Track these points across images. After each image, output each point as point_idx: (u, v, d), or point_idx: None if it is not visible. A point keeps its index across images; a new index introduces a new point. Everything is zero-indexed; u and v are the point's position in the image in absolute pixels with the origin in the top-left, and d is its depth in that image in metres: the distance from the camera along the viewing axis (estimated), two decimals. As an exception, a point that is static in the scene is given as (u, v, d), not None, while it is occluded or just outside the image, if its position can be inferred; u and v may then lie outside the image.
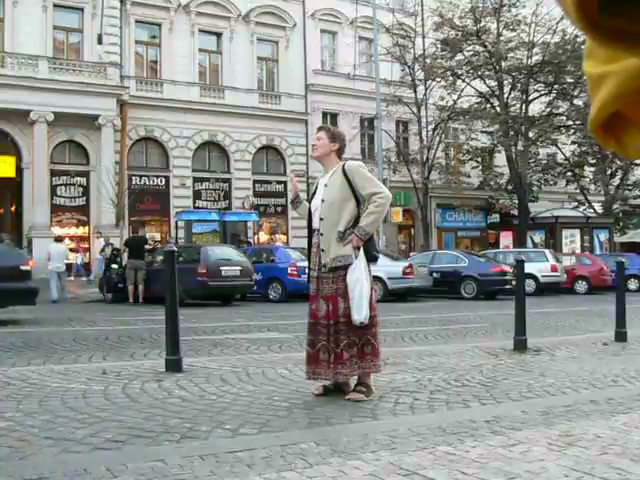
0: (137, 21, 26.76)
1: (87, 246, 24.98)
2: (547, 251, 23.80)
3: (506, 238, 31.83)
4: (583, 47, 0.70)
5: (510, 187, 31.39)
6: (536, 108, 30.24)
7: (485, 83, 29.77)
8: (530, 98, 29.88)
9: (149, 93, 26.76)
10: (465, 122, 30.36)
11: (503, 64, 29.03)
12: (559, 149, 32.28)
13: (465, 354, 7.04)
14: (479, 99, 30.22)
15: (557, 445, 3.57)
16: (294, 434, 3.80)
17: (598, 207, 32.73)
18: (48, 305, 16.33)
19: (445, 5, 28.46)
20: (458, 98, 29.38)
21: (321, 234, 4.87)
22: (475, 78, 29.52)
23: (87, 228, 25.34)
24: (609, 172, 32.45)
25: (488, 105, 30.24)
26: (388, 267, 17.54)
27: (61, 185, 25.03)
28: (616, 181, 32.98)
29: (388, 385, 5.23)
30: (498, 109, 29.55)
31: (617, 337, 8.23)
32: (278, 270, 18.53)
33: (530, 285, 20.15)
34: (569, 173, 33.17)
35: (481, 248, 30.32)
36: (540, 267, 21.66)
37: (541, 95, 30.39)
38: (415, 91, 29.51)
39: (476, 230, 34.76)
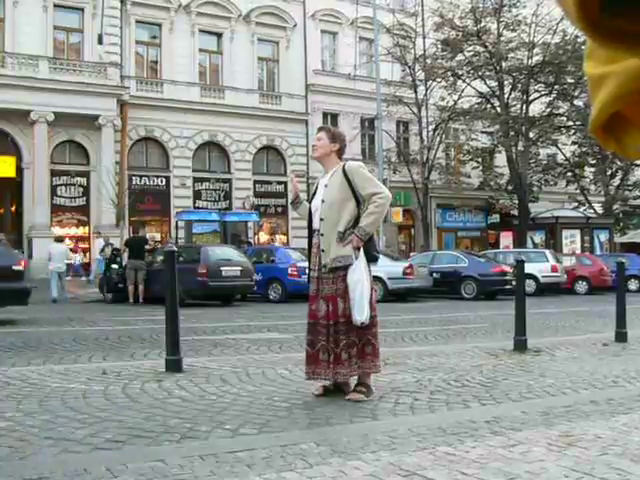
0: (137, 21, 26.77)
1: (87, 246, 24.99)
2: (547, 251, 23.79)
3: (506, 238, 31.82)
4: (583, 47, 0.70)
5: (510, 187, 31.39)
6: (536, 108, 30.25)
7: (485, 83, 29.77)
8: (530, 98, 29.89)
9: (149, 93, 26.77)
10: (465, 122, 30.35)
11: (503, 64, 29.03)
12: (559, 149, 32.28)
13: (465, 354, 7.04)
14: (479, 99, 30.22)
15: (557, 445, 3.57)
16: (294, 434, 3.80)
17: (598, 207, 32.73)
18: (48, 305, 16.37)
19: (445, 5, 28.46)
20: (459, 98, 29.39)
21: (321, 234, 4.87)
22: (475, 78, 29.51)
23: (87, 228, 25.35)
24: (609, 172, 32.46)
25: (488, 105, 30.24)
26: (388, 267, 17.54)
27: (61, 185, 25.04)
28: (616, 181, 32.98)
29: (388, 385, 5.23)
30: (498, 109, 29.55)
31: (617, 337, 8.23)
32: (278, 270, 18.53)
33: (530, 285, 20.13)
34: (569, 173, 33.17)
35: (481, 248, 30.32)
36: (540, 267, 21.65)
37: (541, 95, 30.40)
38: (415, 91, 29.52)
39: (476, 230, 34.77)
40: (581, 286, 23.64)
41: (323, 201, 4.90)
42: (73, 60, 25.08)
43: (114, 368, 5.97)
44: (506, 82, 29.61)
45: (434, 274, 20.19)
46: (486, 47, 28.87)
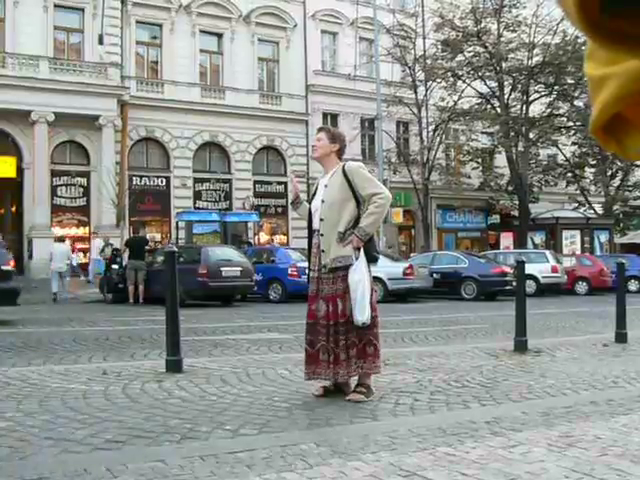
0: (138, 21, 26.77)
1: (87, 246, 24.98)
2: (547, 252, 23.79)
3: (506, 239, 31.81)
4: (584, 48, 0.70)
5: (510, 188, 31.39)
6: (536, 109, 30.26)
7: (485, 84, 29.78)
8: (530, 99, 29.89)
9: (150, 94, 26.76)
10: (465, 123, 30.35)
11: (504, 65, 29.04)
12: (559, 150, 32.29)
13: (465, 355, 7.04)
14: (479, 100, 30.23)
15: (557, 446, 3.57)
16: (294, 435, 3.80)
17: (598, 208, 32.73)
18: (48, 305, 16.44)
19: (446, 6, 28.47)
20: (459, 99, 29.39)
21: (321, 235, 4.87)
22: (476, 79, 29.52)
23: (87, 228, 25.34)
24: (609, 173, 32.46)
25: (488, 106, 30.24)
26: (388, 268, 17.54)
27: (62, 185, 25.03)
28: (616, 182, 32.98)
29: (388, 386, 5.23)
30: (498, 110, 29.55)
31: (617, 338, 8.23)
32: (278, 271, 18.55)
33: (530, 286, 20.12)
34: (569, 174, 33.17)
35: (481, 249, 30.32)
36: (540, 268, 21.65)
37: (541, 96, 30.40)
38: (416, 92, 29.51)
39: (476, 231, 34.77)
40: (581, 287, 23.65)
41: (323, 201, 4.90)
42: (73, 60, 25.08)
43: (114, 368, 5.97)
44: (506, 83, 29.61)
45: (434, 275, 20.19)
46: (486, 48, 28.88)
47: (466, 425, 4.03)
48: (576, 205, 33.47)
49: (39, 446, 3.50)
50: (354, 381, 4.89)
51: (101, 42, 24.60)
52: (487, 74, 29.49)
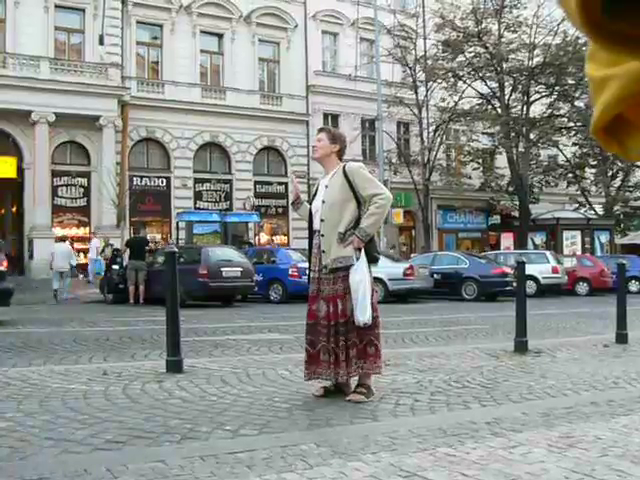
0: (138, 22, 26.78)
1: (87, 247, 24.97)
2: (548, 253, 23.78)
3: (507, 239, 31.81)
4: (584, 49, 0.70)
5: (511, 188, 31.39)
6: (537, 109, 30.26)
7: (486, 84, 29.78)
8: (531, 100, 29.88)
9: (150, 94, 26.77)
10: (466, 123, 30.34)
11: (504, 65, 29.03)
12: (560, 151, 32.28)
13: (466, 355, 7.04)
14: (480, 100, 30.23)
15: (557, 447, 3.57)
16: (294, 435, 3.80)
17: (599, 209, 32.73)
18: (48, 305, 16.46)
19: (446, 6, 28.47)
20: (459, 99, 29.38)
21: (322, 235, 4.87)
22: (476, 79, 29.52)
23: (88, 229, 25.34)
24: (610, 174, 32.45)
25: (489, 106, 30.24)
26: (389, 268, 17.53)
27: (62, 186, 25.03)
28: (617, 183, 32.98)
29: (389, 386, 5.23)
30: (499, 110, 29.56)
31: (618, 339, 8.23)
32: (279, 271, 18.55)
33: (531, 287, 20.12)
34: (570, 175, 33.17)
35: (482, 249, 30.32)
36: (541, 269, 21.64)
37: (542, 97, 30.40)
38: (416, 92, 29.52)
39: (477, 231, 34.77)
40: (582, 287, 23.64)
41: (324, 202, 4.90)
42: (74, 61, 25.08)
43: (115, 369, 5.97)
44: (507, 83, 29.62)
45: (435, 275, 20.19)
46: (487, 48, 28.88)
47: (466, 426, 4.03)
48: (577, 206, 33.47)
49: (39, 446, 3.50)
50: (354, 381, 4.89)
51: (102, 42, 24.61)
52: (488, 75, 29.50)
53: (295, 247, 22.45)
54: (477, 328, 11.28)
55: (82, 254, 24.44)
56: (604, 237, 31.19)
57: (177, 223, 26.55)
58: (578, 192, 32.96)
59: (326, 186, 4.97)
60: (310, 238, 5.06)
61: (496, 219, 34.20)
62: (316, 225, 4.96)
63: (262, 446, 3.52)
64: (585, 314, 14.69)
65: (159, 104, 26.49)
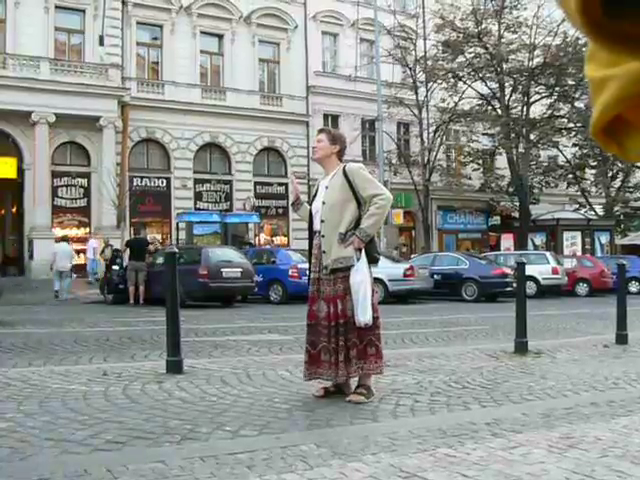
0: (138, 22, 26.78)
1: (86, 247, 24.98)
2: (548, 253, 23.79)
3: (507, 240, 31.81)
4: (584, 49, 0.70)
5: (511, 189, 31.39)
6: (537, 110, 30.27)
7: (486, 85, 29.79)
8: (531, 100, 29.89)
9: (150, 94, 26.77)
10: (466, 124, 30.37)
11: (504, 66, 29.04)
12: (560, 151, 32.30)
13: (466, 356, 7.04)
14: (480, 101, 30.24)
15: (558, 447, 3.57)
16: (294, 436, 3.80)
17: (599, 209, 32.73)
18: (48, 306, 16.45)
19: (446, 7, 28.48)
20: (459, 100, 29.39)
21: (322, 236, 4.88)
22: (476, 80, 29.53)
23: (88, 229, 25.34)
24: (610, 174, 32.45)
25: (489, 107, 30.25)
26: (389, 269, 17.53)
27: (62, 186, 25.03)
28: (617, 183, 32.98)
29: (389, 387, 5.23)
30: (499, 111, 29.57)
31: (618, 339, 8.23)
32: (279, 272, 18.55)
33: (531, 287, 20.13)
34: (570, 175, 33.16)
35: (482, 250, 30.31)
36: (541, 269, 21.65)
37: (542, 97, 30.40)
38: (416, 93, 29.52)
39: (477, 232, 34.76)
40: (582, 288, 23.64)
41: (324, 203, 4.90)
42: (74, 61, 25.07)
43: (115, 369, 5.96)
44: (507, 84, 29.63)
45: (435, 276, 20.20)
46: (487, 49, 28.89)
47: (466, 426, 4.03)
48: (577, 206, 33.47)
49: (39, 447, 3.50)
50: (354, 382, 4.89)
51: (102, 43, 24.62)
52: (488, 75, 29.50)
53: (295, 248, 22.44)
54: (477, 329, 11.28)
55: (81, 255, 24.46)
56: (604, 238, 31.20)
57: (177, 224, 26.56)
58: (578, 193, 32.96)
59: (326, 187, 4.97)
60: (310, 239, 5.06)
61: (496, 220, 34.20)
62: (316, 226, 4.96)
63: (262, 447, 3.51)
64: (585, 315, 14.69)
65: (159, 105, 26.49)
